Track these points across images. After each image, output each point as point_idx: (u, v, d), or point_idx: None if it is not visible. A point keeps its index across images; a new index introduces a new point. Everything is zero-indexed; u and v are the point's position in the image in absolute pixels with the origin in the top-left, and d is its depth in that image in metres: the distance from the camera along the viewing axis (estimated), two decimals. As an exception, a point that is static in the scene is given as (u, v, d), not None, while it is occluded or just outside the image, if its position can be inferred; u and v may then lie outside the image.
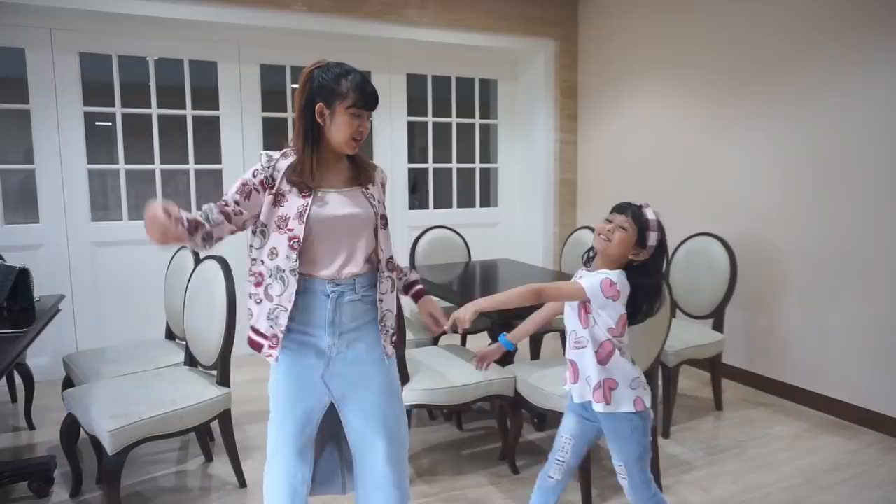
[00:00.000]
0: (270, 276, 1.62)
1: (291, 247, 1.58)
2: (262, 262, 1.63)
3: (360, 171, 1.70)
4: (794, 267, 3.42)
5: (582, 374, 1.77)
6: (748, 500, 2.41)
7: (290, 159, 1.64)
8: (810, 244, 3.32)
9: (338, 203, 1.62)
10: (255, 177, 1.61)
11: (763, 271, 3.58)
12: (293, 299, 1.59)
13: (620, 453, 1.78)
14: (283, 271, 1.59)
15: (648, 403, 1.77)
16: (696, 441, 2.96)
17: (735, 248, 3.35)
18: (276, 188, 1.61)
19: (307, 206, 1.58)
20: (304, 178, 1.60)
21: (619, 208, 1.76)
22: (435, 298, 2.00)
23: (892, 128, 2.92)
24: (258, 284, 1.64)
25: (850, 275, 3.14)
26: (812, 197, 3.30)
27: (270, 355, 1.64)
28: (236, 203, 1.61)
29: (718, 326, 3.34)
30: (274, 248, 1.61)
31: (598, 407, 1.74)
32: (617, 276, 1.72)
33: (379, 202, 1.72)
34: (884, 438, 2.97)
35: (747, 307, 3.67)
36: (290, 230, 1.58)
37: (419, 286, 1.93)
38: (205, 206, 1.61)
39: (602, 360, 1.74)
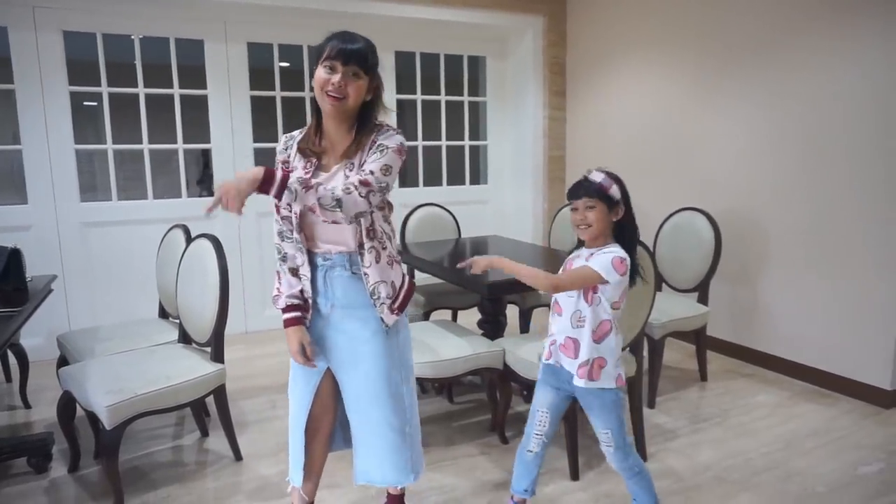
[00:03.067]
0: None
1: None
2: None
3: (355, 142, 1.62)
4: (776, 241, 3.49)
5: (581, 352, 1.79)
6: (730, 466, 2.49)
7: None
8: (793, 218, 3.38)
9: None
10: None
11: (747, 245, 3.64)
12: (309, 267, 1.67)
13: (605, 422, 1.83)
14: (300, 242, 1.66)
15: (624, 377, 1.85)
16: (681, 411, 3.04)
17: (720, 222, 3.40)
18: (291, 162, 1.67)
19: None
20: (308, 144, 1.65)
21: (574, 193, 1.81)
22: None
23: (877, 104, 2.97)
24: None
25: (831, 248, 3.21)
26: (795, 172, 3.35)
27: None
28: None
29: (703, 299, 3.40)
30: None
31: (580, 383, 1.78)
32: (622, 251, 1.76)
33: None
34: (861, 405, 3.06)
35: (732, 280, 3.74)
36: None
37: None
38: (278, 264, 1.72)
39: (597, 339, 1.78)
